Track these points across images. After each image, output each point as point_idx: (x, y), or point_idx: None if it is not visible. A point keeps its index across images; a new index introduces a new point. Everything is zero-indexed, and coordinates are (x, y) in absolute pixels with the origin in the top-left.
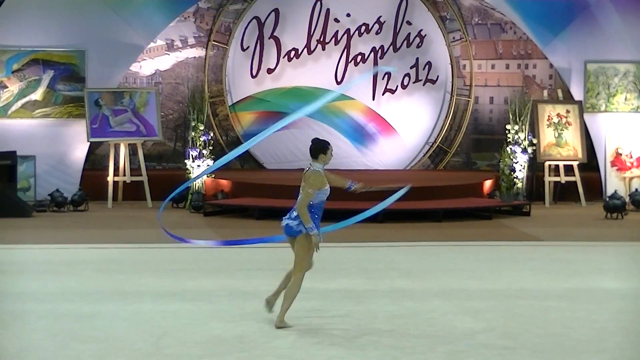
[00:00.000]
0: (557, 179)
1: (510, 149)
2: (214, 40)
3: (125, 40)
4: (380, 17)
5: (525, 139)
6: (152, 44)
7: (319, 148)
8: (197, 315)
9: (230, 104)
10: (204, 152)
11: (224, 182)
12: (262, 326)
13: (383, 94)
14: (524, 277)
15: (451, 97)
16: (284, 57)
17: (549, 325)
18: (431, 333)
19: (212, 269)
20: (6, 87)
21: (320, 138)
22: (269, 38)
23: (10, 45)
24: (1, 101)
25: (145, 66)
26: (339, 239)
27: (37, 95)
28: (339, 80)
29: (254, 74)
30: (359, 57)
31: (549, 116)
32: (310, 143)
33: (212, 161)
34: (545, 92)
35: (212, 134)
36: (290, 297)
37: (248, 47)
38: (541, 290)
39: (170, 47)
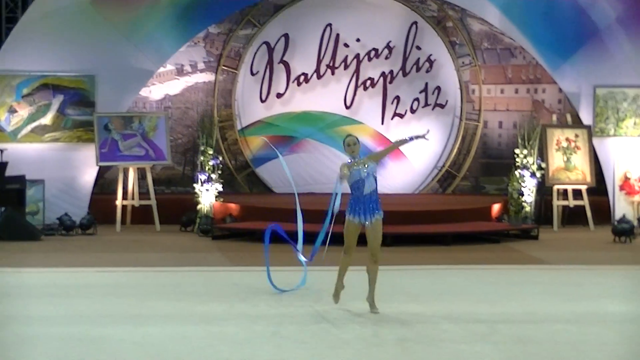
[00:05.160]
0: (565, 203)
1: (519, 173)
2: (223, 65)
3: (135, 65)
4: (389, 42)
5: (534, 163)
6: (162, 69)
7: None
8: (206, 339)
9: (239, 128)
10: (213, 176)
11: (232, 205)
12: (270, 349)
13: (392, 119)
14: (532, 300)
15: (460, 122)
16: (293, 82)
17: (558, 349)
18: (439, 356)
19: (219, 294)
20: (16, 111)
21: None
22: (279, 63)
23: (21, 70)
24: (11, 125)
25: (155, 91)
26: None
27: (47, 119)
28: (348, 104)
29: (263, 99)
30: (368, 82)
31: (557, 140)
32: None
33: (221, 185)
34: (554, 117)
35: (221, 158)
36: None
37: (258, 71)
38: (550, 313)
39: (180, 71)
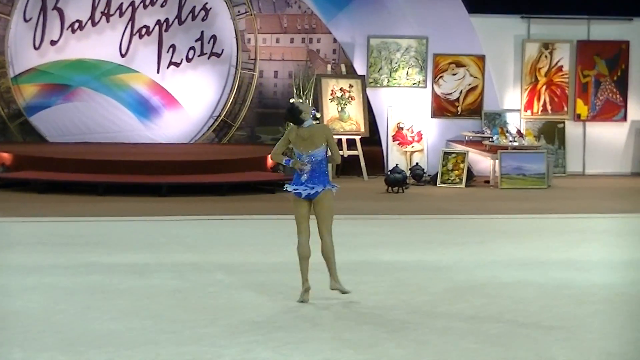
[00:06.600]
0: (340, 152)
1: None
2: None
3: None
4: None
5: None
6: None
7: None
8: None
9: (12, 76)
10: None
11: (5, 155)
12: (41, 301)
13: (168, 67)
14: None
15: (236, 71)
16: (67, 29)
17: (330, 297)
18: (213, 307)
19: None
20: None
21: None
22: (53, 9)
23: None
24: None
25: None
26: (122, 213)
27: None
28: (123, 52)
29: (36, 46)
30: (144, 30)
31: (332, 90)
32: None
33: None
34: (329, 67)
35: None
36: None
37: (31, 18)
38: (323, 263)
39: None
